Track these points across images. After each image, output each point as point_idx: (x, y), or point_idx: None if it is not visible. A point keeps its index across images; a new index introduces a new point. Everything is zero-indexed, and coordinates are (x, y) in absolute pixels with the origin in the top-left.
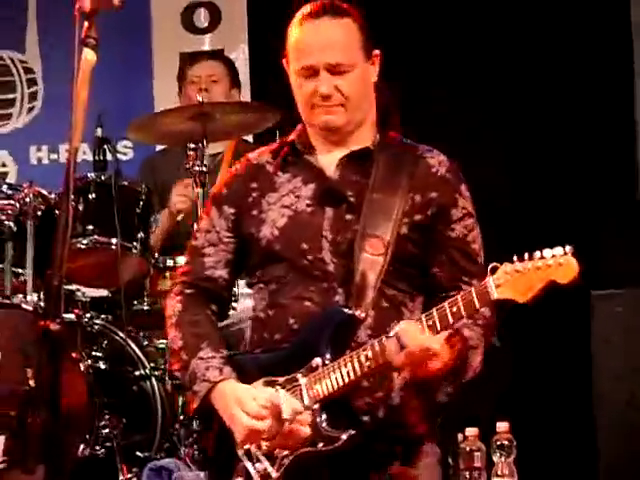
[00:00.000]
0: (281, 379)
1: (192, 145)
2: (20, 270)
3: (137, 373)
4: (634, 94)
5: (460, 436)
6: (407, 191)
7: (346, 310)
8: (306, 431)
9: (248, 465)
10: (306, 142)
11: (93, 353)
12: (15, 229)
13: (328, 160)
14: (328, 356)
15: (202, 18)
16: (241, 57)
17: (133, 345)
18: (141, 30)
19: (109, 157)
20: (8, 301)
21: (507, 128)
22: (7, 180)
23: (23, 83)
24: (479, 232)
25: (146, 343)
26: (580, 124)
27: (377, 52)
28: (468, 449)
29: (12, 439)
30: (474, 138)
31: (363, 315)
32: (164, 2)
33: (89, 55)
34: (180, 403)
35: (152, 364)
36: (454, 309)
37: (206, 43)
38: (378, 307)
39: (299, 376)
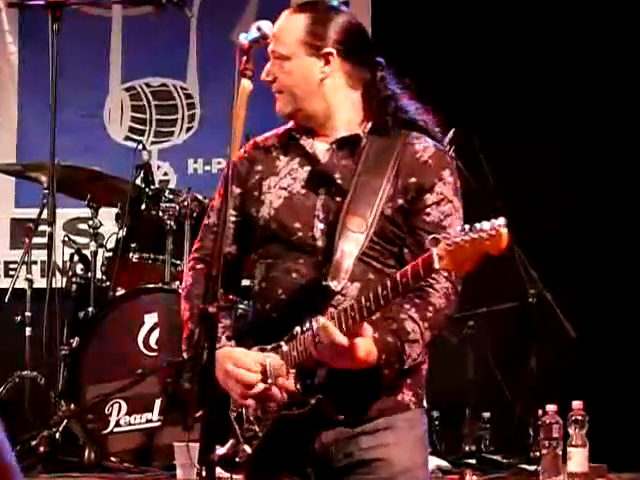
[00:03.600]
0: (269, 346)
1: None
2: (178, 261)
3: None
4: None
5: (540, 411)
6: (393, 175)
7: (322, 282)
8: (283, 395)
9: (237, 427)
10: (304, 127)
11: None
12: (175, 227)
13: (321, 145)
14: (307, 325)
15: None
16: None
17: None
18: None
19: None
20: (167, 287)
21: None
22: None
23: (184, 107)
24: (459, 218)
25: None
26: None
27: (328, 50)
28: (548, 422)
29: (167, 402)
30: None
31: (338, 287)
32: None
33: (246, 84)
34: None
35: None
36: (404, 280)
37: None
38: (365, 279)
39: (282, 343)
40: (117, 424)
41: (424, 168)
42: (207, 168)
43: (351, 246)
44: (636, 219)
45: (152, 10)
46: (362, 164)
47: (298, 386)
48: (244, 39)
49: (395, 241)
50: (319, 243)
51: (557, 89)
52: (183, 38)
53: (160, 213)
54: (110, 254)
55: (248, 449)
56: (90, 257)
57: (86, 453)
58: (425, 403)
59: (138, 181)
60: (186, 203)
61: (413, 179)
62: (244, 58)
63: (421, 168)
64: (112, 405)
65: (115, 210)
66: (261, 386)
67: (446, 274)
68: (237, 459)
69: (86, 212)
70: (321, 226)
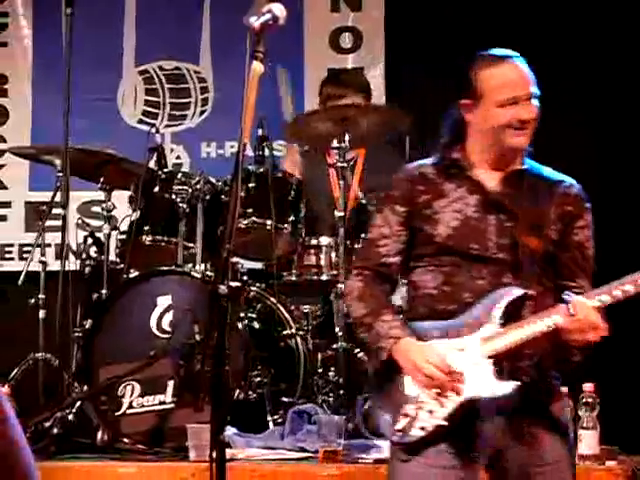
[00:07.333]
0: (455, 340)
1: (335, 144)
2: (190, 244)
3: (284, 332)
4: None
5: None
6: (552, 205)
7: (520, 289)
8: (460, 389)
9: (417, 401)
10: (468, 160)
11: (249, 315)
12: (187, 210)
13: (485, 176)
14: (501, 322)
15: (347, 40)
16: (378, 75)
17: (282, 309)
18: (295, 48)
19: (267, 153)
20: (180, 269)
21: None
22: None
23: (197, 90)
24: (593, 243)
25: (293, 308)
26: None
27: None
28: None
29: (180, 384)
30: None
31: (534, 293)
32: (315, 26)
33: (257, 67)
34: (319, 358)
35: (297, 325)
36: (625, 287)
37: (349, 61)
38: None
39: (472, 338)
40: (130, 406)
41: (575, 200)
42: (220, 152)
43: (532, 261)
44: None
45: None
46: (525, 194)
47: (493, 373)
48: (255, 21)
49: (550, 260)
50: (500, 255)
51: None
52: (196, 21)
53: (173, 196)
54: (123, 236)
55: (430, 425)
56: (103, 239)
57: (99, 434)
58: None
59: (151, 164)
60: (199, 186)
61: (569, 207)
62: (255, 40)
63: (574, 200)
64: (125, 387)
65: (128, 193)
66: (445, 378)
67: None
68: (410, 435)
69: (99, 195)
70: (494, 247)
